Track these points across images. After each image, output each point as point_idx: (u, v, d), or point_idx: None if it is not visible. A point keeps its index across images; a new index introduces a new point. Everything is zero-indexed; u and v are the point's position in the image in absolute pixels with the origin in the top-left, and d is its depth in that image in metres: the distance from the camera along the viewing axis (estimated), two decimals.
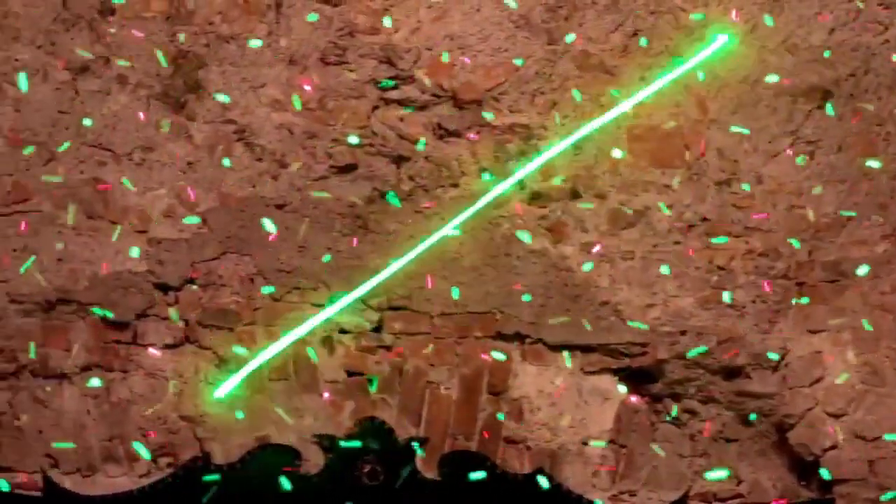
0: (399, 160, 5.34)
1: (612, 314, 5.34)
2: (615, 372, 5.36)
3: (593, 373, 5.34)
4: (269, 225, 5.17)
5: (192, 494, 5.06)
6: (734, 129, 5.38)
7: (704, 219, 5.40)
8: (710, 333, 5.35)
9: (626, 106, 5.34)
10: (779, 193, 5.43)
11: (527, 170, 5.30)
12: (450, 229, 5.25)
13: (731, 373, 5.36)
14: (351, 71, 5.34)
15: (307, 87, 5.30)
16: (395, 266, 5.21)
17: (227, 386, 5.15)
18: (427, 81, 5.34)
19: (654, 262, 5.37)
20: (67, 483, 5.09)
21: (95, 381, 5.15)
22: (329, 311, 5.19)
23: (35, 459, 5.10)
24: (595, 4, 5.43)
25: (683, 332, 5.34)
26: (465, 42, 5.37)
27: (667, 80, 5.37)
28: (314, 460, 5.15)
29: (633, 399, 5.35)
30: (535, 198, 5.36)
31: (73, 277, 5.17)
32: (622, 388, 5.35)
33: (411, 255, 5.23)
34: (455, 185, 5.34)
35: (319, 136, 5.31)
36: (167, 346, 5.19)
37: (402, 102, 5.35)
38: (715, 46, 5.40)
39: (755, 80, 5.44)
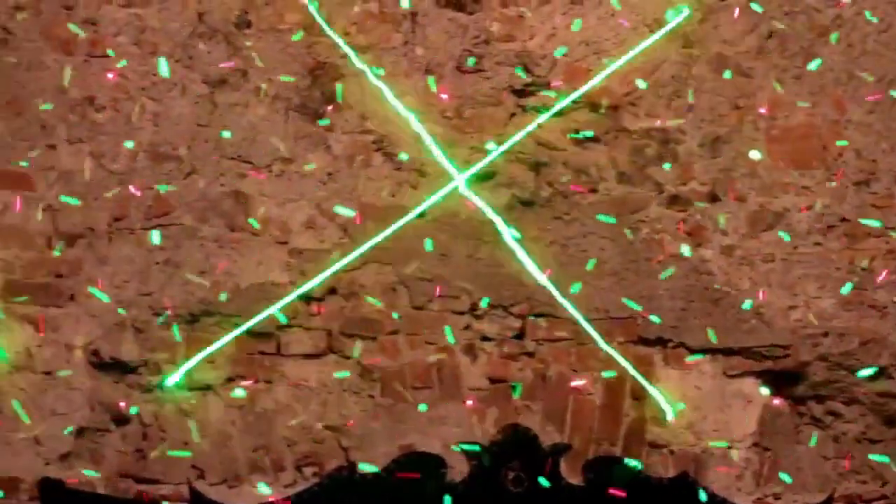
0: (537, 166, 5.33)
1: (753, 317, 5.32)
2: (758, 375, 5.34)
3: (736, 376, 5.32)
4: None
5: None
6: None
7: (844, 219, 5.37)
8: (853, 334, 5.32)
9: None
10: None
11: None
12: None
13: (875, 374, 5.33)
14: (487, 78, 5.35)
15: (444, 96, 5.31)
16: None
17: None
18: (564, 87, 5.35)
19: (795, 264, 5.35)
20: (213, 494, 5.11)
21: (240, 392, 5.17)
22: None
23: (180, 471, 5.12)
24: (729, 6, 5.42)
25: (825, 334, 5.32)
26: (601, 47, 5.37)
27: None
28: (458, 468, 5.15)
29: (776, 402, 5.33)
30: (674, 201, 5.35)
31: (215, 289, 5.19)
32: (765, 391, 5.33)
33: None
34: (594, 191, 5.34)
35: (457, 145, 5.31)
36: (310, 356, 5.21)
37: (539, 109, 5.36)
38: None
39: (891, 80, 5.42)
